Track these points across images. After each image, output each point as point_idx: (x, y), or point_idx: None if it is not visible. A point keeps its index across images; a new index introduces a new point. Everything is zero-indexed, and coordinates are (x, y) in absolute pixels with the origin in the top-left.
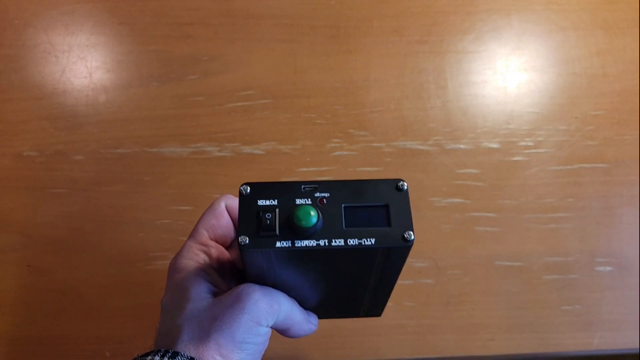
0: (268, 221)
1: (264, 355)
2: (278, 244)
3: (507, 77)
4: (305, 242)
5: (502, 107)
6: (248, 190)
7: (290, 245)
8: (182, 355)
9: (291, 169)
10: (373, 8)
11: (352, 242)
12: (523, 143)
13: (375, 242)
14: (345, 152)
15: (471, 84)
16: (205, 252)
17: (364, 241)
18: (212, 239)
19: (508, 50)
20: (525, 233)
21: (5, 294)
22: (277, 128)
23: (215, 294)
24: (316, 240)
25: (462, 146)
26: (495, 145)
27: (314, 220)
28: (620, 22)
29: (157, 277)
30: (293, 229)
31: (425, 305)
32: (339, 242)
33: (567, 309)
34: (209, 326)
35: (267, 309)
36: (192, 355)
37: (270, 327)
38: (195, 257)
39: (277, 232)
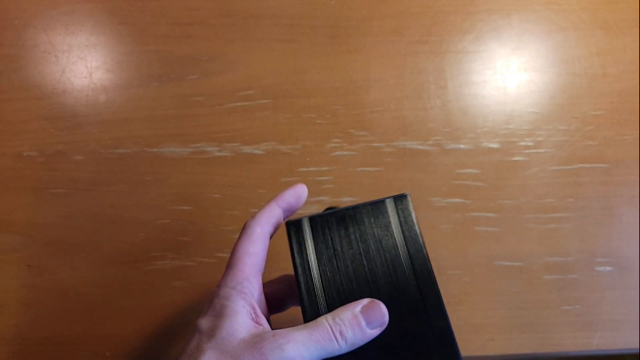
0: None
1: None
2: (313, 215)
3: (507, 77)
4: (330, 211)
5: (502, 107)
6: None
7: (322, 213)
8: None
9: (291, 169)
10: (373, 8)
11: (361, 203)
12: (523, 143)
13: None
14: (345, 152)
15: (471, 84)
16: (247, 283)
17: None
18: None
19: (508, 50)
20: (525, 233)
21: (5, 294)
22: (277, 128)
23: (251, 329)
24: (338, 208)
25: (462, 146)
26: (495, 145)
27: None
28: (620, 22)
29: (157, 277)
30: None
31: None
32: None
33: (567, 309)
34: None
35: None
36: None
37: None
38: (238, 286)
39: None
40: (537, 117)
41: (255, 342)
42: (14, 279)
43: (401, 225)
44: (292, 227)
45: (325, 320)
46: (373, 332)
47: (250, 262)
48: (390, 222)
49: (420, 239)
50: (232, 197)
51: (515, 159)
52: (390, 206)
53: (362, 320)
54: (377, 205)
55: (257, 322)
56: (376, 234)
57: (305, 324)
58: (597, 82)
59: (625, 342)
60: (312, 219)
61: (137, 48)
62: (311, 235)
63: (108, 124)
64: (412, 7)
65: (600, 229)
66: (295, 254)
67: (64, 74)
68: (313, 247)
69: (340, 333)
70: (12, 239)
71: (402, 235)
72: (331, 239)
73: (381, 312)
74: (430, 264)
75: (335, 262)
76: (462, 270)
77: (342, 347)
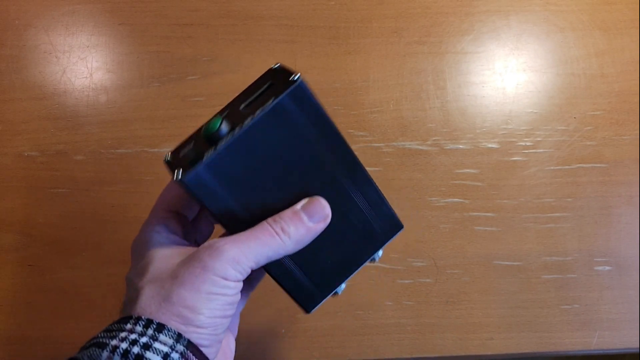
0: (188, 151)
1: (255, 350)
2: (205, 158)
3: (506, 77)
4: (223, 143)
5: (500, 107)
6: (168, 156)
7: (214, 152)
8: (168, 330)
9: None
10: (372, 9)
11: (255, 116)
12: (522, 143)
13: (270, 104)
14: None
15: (470, 84)
16: (164, 224)
17: (264, 109)
18: (173, 211)
19: (507, 50)
20: (523, 233)
21: (5, 293)
22: None
23: (184, 250)
24: (231, 137)
25: (461, 146)
26: (494, 145)
27: (217, 123)
28: (618, 22)
29: None
30: (208, 141)
31: (424, 305)
32: (247, 123)
33: (566, 309)
34: (171, 284)
35: (234, 265)
36: (152, 315)
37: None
38: (152, 229)
39: (195, 153)
40: (536, 117)
41: (192, 255)
42: (14, 278)
43: (309, 122)
44: (192, 185)
45: (266, 222)
46: (317, 227)
47: (159, 202)
48: (297, 125)
49: (331, 123)
50: None
51: (514, 159)
52: (289, 108)
53: (303, 215)
54: (274, 114)
55: (189, 245)
56: (286, 144)
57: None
58: (595, 82)
59: (624, 341)
60: (209, 167)
61: (137, 49)
62: (217, 181)
63: (109, 124)
64: (411, 8)
65: (599, 229)
66: (209, 208)
67: (64, 75)
68: (225, 190)
69: (282, 229)
70: (12, 238)
71: (313, 130)
72: (242, 173)
73: (321, 204)
74: (346, 142)
75: (257, 192)
76: (461, 269)
77: (287, 243)
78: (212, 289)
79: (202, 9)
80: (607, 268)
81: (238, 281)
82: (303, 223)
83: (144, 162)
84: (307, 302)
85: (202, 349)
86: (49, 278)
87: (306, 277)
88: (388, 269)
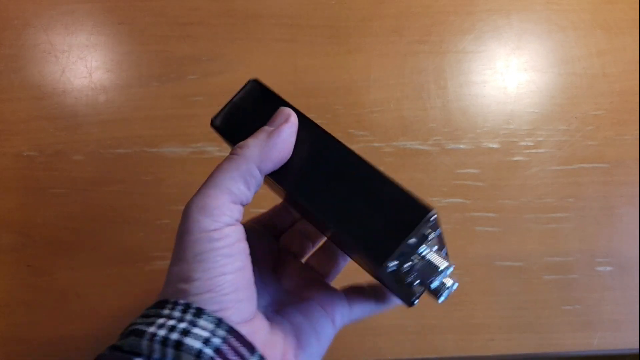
0: None
1: None
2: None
3: (507, 77)
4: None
5: (502, 107)
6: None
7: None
8: (208, 315)
9: None
10: (373, 8)
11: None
12: (523, 143)
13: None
14: None
15: (471, 84)
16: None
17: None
18: None
19: (508, 50)
20: (525, 233)
21: (4, 294)
22: None
23: None
24: None
25: (462, 146)
26: (495, 145)
27: None
28: (620, 22)
29: (158, 277)
30: None
31: (425, 305)
32: None
33: (567, 309)
34: (170, 265)
35: (204, 213)
36: (160, 298)
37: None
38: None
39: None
40: (537, 117)
41: None
42: (13, 279)
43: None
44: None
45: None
46: (281, 128)
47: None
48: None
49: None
50: None
51: (516, 159)
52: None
53: (264, 127)
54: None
55: None
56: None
57: None
58: (597, 82)
59: (625, 342)
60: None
61: (136, 48)
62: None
63: (108, 124)
64: (412, 7)
65: (601, 229)
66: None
67: (63, 74)
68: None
69: (239, 146)
70: (11, 238)
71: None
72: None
73: (281, 109)
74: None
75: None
76: (462, 270)
77: (247, 153)
78: (197, 249)
79: (202, 8)
80: (609, 269)
81: (224, 226)
82: (263, 130)
83: (143, 161)
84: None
85: (236, 326)
86: (48, 278)
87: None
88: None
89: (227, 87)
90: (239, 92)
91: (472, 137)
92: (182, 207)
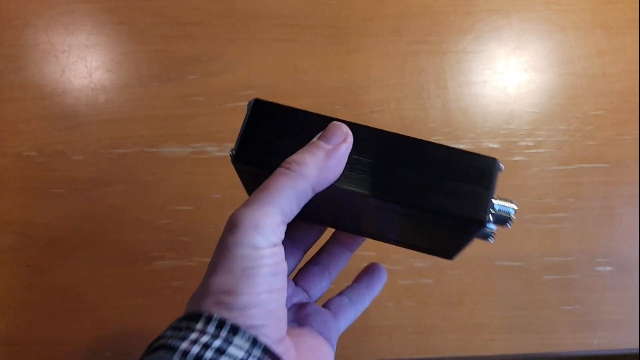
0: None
1: None
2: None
3: (507, 77)
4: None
5: (502, 107)
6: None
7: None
8: (243, 333)
9: None
10: (373, 8)
11: None
12: (523, 143)
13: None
14: None
15: (471, 84)
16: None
17: None
18: None
19: (508, 50)
20: (525, 233)
21: (4, 294)
22: None
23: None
24: None
25: (462, 146)
26: (495, 145)
27: None
28: (620, 22)
29: (157, 277)
30: None
31: (426, 306)
32: None
33: (567, 309)
34: (207, 275)
35: (258, 230)
36: (196, 309)
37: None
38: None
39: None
40: (537, 117)
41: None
42: (13, 279)
43: None
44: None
45: (279, 166)
46: (338, 148)
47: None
48: None
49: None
50: (232, 197)
51: (516, 158)
52: None
53: (318, 141)
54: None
55: None
56: None
57: None
58: (597, 82)
59: (626, 342)
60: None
61: (136, 48)
62: None
63: (108, 124)
64: (412, 7)
65: (601, 229)
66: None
67: (63, 74)
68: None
69: (296, 162)
70: (11, 239)
71: None
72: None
73: (335, 125)
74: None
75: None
76: (462, 270)
77: (306, 172)
78: (246, 264)
79: (202, 8)
80: (609, 269)
81: (273, 246)
82: (320, 147)
83: (143, 161)
84: None
85: (273, 346)
86: (48, 278)
87: None
88: (389, 270)
89: (227, 87)
90: (246, 117)
91: (472, 137)
92: (182, 207)
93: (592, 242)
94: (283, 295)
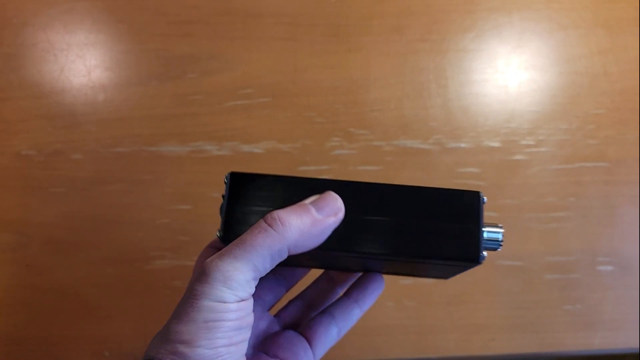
0: None
1: None
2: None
3: (508, 75)
4: None
5: (503, 105)
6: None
7: None
8: None
9: (291, 168)
10: (373, 6)
11: None
12: (524, 142)
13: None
14: (345, 151)
15: (472, 82)
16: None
17: None
18: None
19: (509, 49)
20: (526, 232)
21: (3, 293)
22: (277, 127)
23: None
24: None
25: (462, 145)
26: (496, 144)
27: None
28: (621, 20)
29: (157, 276)
30: None
31: (426, 305)
32: None
33: (569, 309)
34: (169, 320)
35: (227, 284)
36: (153, 354)
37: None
38: None
39: None
40: (538, 116)
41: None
42: (12, 278)
43: None
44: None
45: (261, 219)
46: (326, 220)
47: None
48: None
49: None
50: None
51: (516, 158)
52: None
53: (310, 207)
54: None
55: None
56: None
57: None
58: (598, 81)
59: (626, 341)
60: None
61: (136, 47)
62: None
63: (107, 123)
64: (413, 5)
65: (602, 229)
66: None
67: (62, 73)
68: None
69: (280, 220)
70: (10, 238)
71: None
72: None
73: (331, 196)
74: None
75: None
76: None
77: (287, 234)
78: (209, 317)
79: (201, 6)
80: (610, 268)
81: (240, 301)
82: (309, 213)
83: (142, 161)
84: None
85: None
86: (47, 278)
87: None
88: None
89: (226, 86)
90: (226, 194)
91: (472, 136)
92: (182, 206)
93: (593, 241)
94: (243, 348)
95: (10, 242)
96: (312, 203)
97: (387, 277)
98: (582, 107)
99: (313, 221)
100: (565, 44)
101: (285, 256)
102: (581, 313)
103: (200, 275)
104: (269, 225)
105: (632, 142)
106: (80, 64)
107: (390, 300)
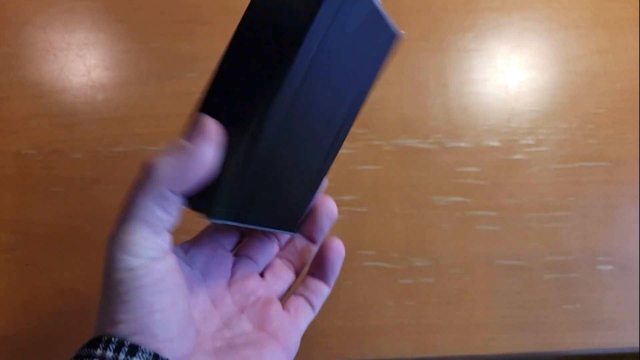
0: None
1: None
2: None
3: (508, 75)
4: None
5: (503, 105)
6: None
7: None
8: (143, 351)
9: None
10: None
11: None
12: (524, 141)
13: None
14: (345, 150)
15: (472, 82)
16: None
17: None
18: None
19: (509, 48)
20: (526, 232)
21: (3, 293)
22: None
23: None
24: None
25: (462, 144)
26: (496, 144)
27: None
28: (621, 20)
29: None
30: None
31: (426, 305)
32: None
33: (568, 308)
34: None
35: (120, 245)
36: (95, 334)
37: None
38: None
39: None
40: (538, 115)
41: None
42: (11, 278)
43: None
44: None
45: None
46: (202, 147)
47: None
48: None
49: None
50: None
51: (516, 157)
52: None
53: (181, 140)
54: None
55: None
56: None
57: None
58: (598, 80)
59: (626, 341)
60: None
61: (136, 46)
62: None
63: (107, 122)
64: (412, 4)
65: (602, 228)
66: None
67: (62, 72)
68: None
69: (148, 164)
70: (10, 237)
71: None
72: None
73: (200, 123)
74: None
75: None
76: (462, 269)
77: (158, 175)
78: (120, 289)
79: (202, 5)
80: (610, 268)
81: (150, 261)
82: (180, 146)
83: (142, 160)
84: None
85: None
86: (46, 278)
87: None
88: (389, 269)
89: None
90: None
91: (472, 136)
92: (181, 206)
93: (593, 241)
94: (175, 312)
95: (10, 241)
96: (184, 135)
97: (387, 277)
98: (582, 106)
99: (181, 151)
100: (565, 43)
101: (173, 198)
102: (581, 312)
103: (104, 256)
104: (140, 173)
105: (632, 142)
106: (80, 63)
107: (390, 299)
